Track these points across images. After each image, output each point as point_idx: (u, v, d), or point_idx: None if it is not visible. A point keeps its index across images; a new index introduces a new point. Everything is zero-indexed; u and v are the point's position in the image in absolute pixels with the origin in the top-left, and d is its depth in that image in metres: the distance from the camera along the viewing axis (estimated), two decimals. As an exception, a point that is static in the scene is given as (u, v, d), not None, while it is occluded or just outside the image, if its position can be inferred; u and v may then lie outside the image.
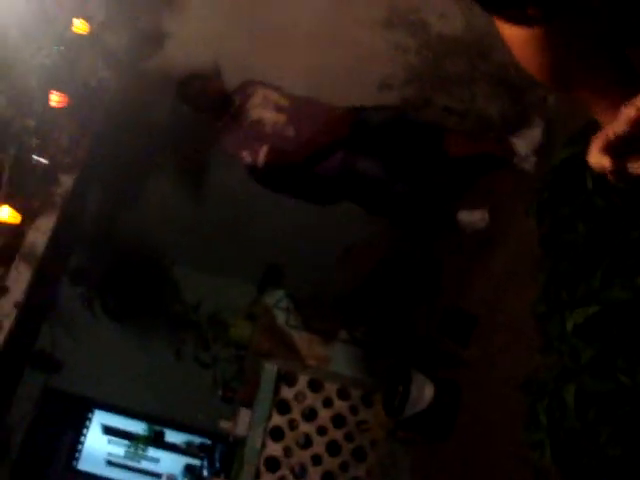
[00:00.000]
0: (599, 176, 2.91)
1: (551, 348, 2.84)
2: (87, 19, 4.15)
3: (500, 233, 4.20)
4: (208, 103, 4.32)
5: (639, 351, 2.64)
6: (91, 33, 4.22)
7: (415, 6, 4.09)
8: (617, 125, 1.02)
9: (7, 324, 4.40)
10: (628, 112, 1.00)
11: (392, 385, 4.14)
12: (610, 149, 1.04)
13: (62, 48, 3.89)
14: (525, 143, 4.03)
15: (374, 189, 4.19)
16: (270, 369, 4.62)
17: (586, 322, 2.65)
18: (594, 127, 3.07)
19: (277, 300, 4.77)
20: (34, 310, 5.07)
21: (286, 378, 4.65)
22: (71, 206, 4.97)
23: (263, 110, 4.23)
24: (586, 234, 2.81)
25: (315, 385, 4.69)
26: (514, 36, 1.15)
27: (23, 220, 3.99)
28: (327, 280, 5.42)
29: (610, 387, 2.47)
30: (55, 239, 4.69)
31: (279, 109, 4.23)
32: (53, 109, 4.04)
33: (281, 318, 4.77)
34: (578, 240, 2.82)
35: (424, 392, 4.03)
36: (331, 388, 4.68)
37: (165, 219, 6.00)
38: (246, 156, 4.20)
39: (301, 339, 4.73)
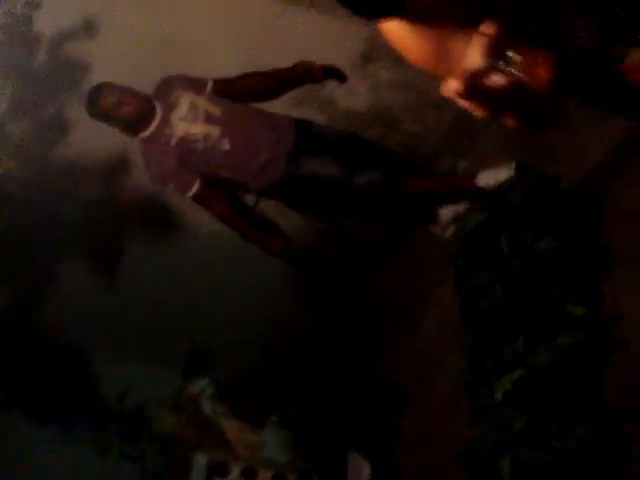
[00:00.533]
0: (514, 239, 2.91)
1: (482, 418, 2.78)
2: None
3: (423, 300, 4.18)
4: (125, 118, 3.68)
5: (569, 414, 2.60)
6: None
7: (322, 84, 4.13)
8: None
9: None
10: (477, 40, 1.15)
11: (328, 467, 4.02)
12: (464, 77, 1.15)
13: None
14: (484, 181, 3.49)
15: (330, 188, 3.67)
16: (200, 461, 4.43)
17: (514, 388, 2.61)
18: (503, 192, 3.10)
19: (202, 388, 4.61)
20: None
21: (218, 469, 4.46)
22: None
23: (191, 124, 3.65)
24: (505, 298, 2.80)
25: (249, 474, 4.50)
26: (395, 36, 1.32)
27: None
28: (254, 362, 5.29)
29: (544, 457, 2.42)
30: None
31: (210, 120, 3.66)
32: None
33: (207, 407, 4.60)
34: (497, 305, 2.81)
35: (361, 472, 3.93)
36: (266, 475, 4.50)
37: (82, 310, 5.80)
38: (177, 188, 3.77)
39: (230, 427, 4.56)
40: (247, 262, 5.26)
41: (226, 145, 3.63)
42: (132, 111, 3.65)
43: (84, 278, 5.49)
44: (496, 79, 1.15)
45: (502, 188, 2.99)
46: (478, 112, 1.29)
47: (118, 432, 5.98)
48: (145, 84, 4.17)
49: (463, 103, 1.23)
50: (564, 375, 2.61)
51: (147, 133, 3.70)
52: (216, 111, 3.66)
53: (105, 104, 3.67)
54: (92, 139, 4.57)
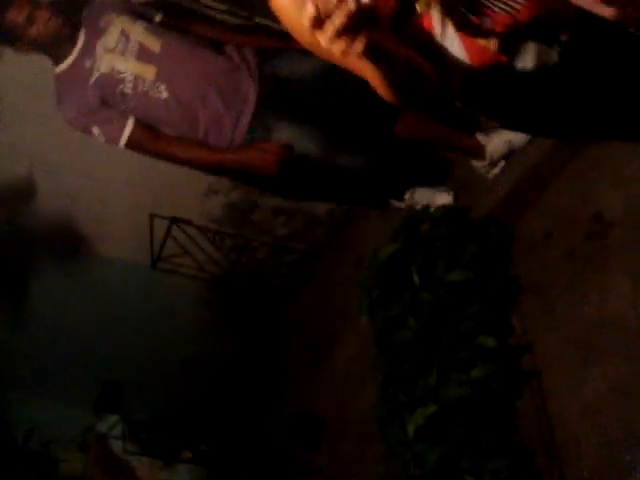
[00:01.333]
0: (424, 270, 2.88)
1: (395, 454, 2.73)
2: None
3: (338, 331, 4.13)
4: (34, 40, 2.86)
5: (482, 448, 2.58)
6: None
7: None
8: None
9: None
10: None
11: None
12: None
13: None
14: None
15: (310, 169, 2.97)
16: (108, 502, 4.24)
17: (426, 423, 2.57)
18: (414, 221, 3.07)
19: (111, 426, 4.43)
20: None
21: (128, 510, 4.28)
22: None
23: (120, 58, 2.84)
24: (417, 331, 2.77)
25: (160, 513, 4.34)
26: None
27: None
28: (166, 396, 5.13)
29: (457, 494, 2.38)
30: None
31: (144, 56, 2.86)
32: None
33: (117, 446, 4.41)
34: (409, 337, 2.77)
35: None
36: (178, 514, 4.35)
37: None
38: (99, 135, 2.99)
39: (141, 466, 4.38)
40: (161, 291, 5.14)
41: (163, 93, 2.85)
42: (44, 32, 2.82)
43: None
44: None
45: (413, 219, 2.97)
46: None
47: (24, 473, 5.72)
48: (54, 110, 4.04)
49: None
50: (477, 408, 2.59)
51: (64, 66, 2.92)
52: (154, 46, 2.85)
53: (12, 18, 2.80)
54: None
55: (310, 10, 0.99)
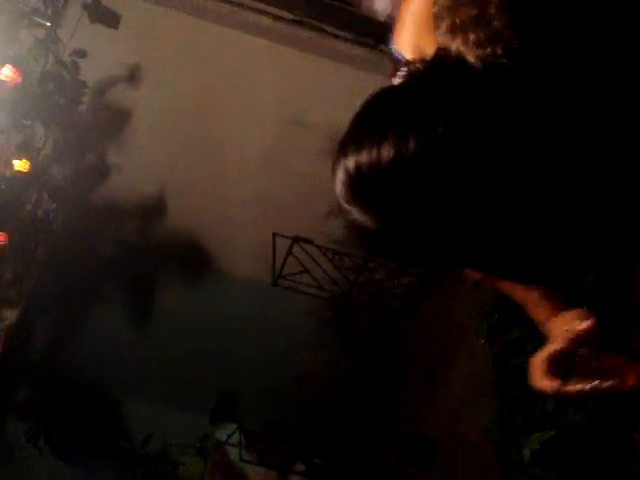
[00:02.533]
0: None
1: (510, 477, 2.76)
2: (32, 152, 4.16)
3: (454, 353, 4.16)
4: None
5: (600, 476, 2.57)
6: (35, 169, 4.23)
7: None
8: (557, 344, 1.06)
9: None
10: (567, 333, 1.04)
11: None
12: (551, 369, 1.07)
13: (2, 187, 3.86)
14: None
15: None
16: (224, 507, 4.40)
17: (543, 448, 2.59)
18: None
19: (228, 435, 4.60)
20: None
21: (242, 516, 4.44)
22: (15, 340, 4.84)
23: None
24: (537, 356, 2.79)
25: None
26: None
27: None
28: (281, 410, 5.28)
29: (572, 519, 2.39)
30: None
31: None
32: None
33: (234, 454, 4.58)
34: (529, 362, 2.79)
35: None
36: (289, 524, 4.47)
37: (114, 350, 5.85)
38: None
39: (256, 475, 4.53)
40: (279, 307, 5.30)
41: None
42: None
43: (117, 318, 5.55)
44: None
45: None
46: None
47: (142, 475, 5.99)
48: (185, 133, 4.30)
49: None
50: (593, 436, 2.59)
51: None
52: None
53: None
54: (130, 183, 4.68)
55: (549, 387, 1.03)
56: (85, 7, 3.90)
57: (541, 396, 2.75)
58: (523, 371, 2.88)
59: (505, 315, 3.05)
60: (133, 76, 4.14)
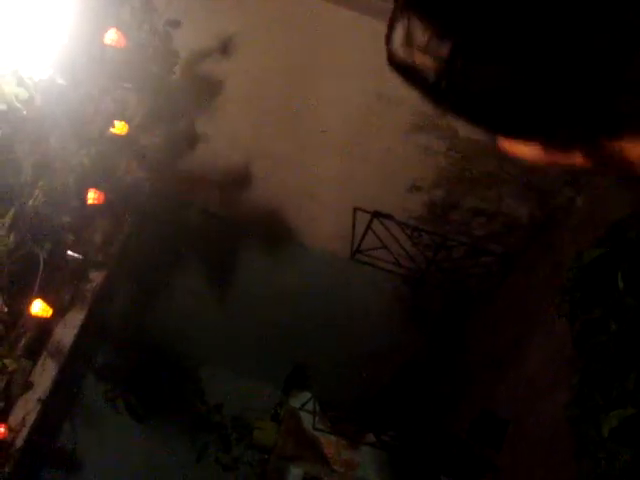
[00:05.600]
0: (630, 275, 2.88)
1: (586, 453, 2.75)
2: (125, 121, 4.29)
3: (530, 332, 4.14)
4: None
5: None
6: (128, 134, 4.36)
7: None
8: None
9: (29, 420, 4.37)
10: None
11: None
12: None
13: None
14: None
15: None
16: (296, 473, 4.50)
17: (622, 425, 2.58)
18: (621, 228, 3.07)
19: (303, 402, 4.69)
20: (57, 406, 5.04)
21: (312, 483, 4.53)
22: (100, 303, 5.01)
23: None
24: (619, 335, 2.77)
25: (342, 491, 4.55)
26: None
27: (53, 314, 4.01)
28: (354, 382, 5.34)
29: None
30: (83, 335, 4.71)
31: None
32: (89, 207, 4.13)
33: (307, 421, 4.67)
34: (611, 341, 2.78)
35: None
36: (357, 494, 4.54)
37: (192, 319, 6.00)
38: None
39: (328, 443, 4.61)
40: (357, 283, 5.34)
41: None
42: None
43: (198, 287, 5.68)
44: None
45: (619, 225, 2.97)
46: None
47: (216, 438, 6.14)
48: (272, 106, 4.36)
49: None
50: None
51: None
52: None
53: None
54: (217, 153, 4.79)
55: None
56: (181, -22, 4.00)
57: (622, 374, 2.73)
58: (604, 349, 2.87)
59: (588, 294, 3.03)
60: (225, 47, 4.23)
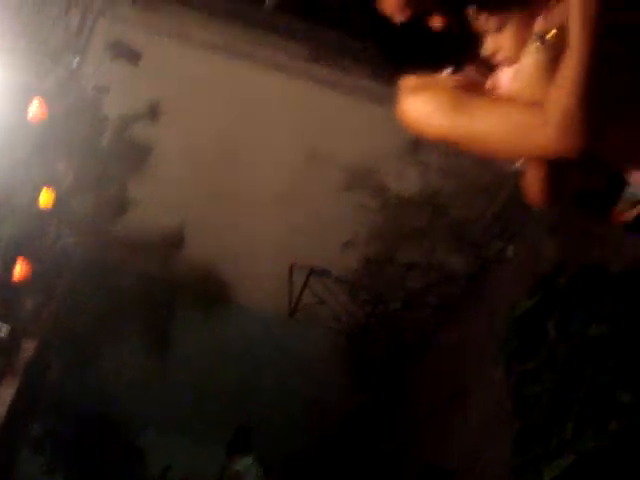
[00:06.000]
0: (561, 325, 2.93)
1: (530, 504, 2.76)
2: (55, 187, 4.23)
3: (470, 382, 4.17)
4: None
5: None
6: (58, 200, 4.30)
7: (373, 169, 4.26)
8: None
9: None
10: None
11: None
12: None
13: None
14: None
15: None
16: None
17: (563, 474, 2.60)
18: (552, 279, 3.14)
19: (246, 467, 4.61)
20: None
21: None
22: (33, 373, 4.87)
23: None
24: (553, 384, 2.81)
25: None
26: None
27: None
28: (297, 440, 5.27)
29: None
30: (16, 408, 4.55)
31: None
32: (18, 276, 4.04)
33: (251, 484, 4.58)
34: (546, 391, 2.82)
35: None
36: None
37: (132, 384, 5.87)
38: None
39: (272, 505, 4.52)
40: (296, 338, 5.32)
41: None
42: None
43: (135, 351, 5.57)
44: None
45: (547, 276, 3.04)
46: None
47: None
48: (204, 168, 4.37)
49: None
50: (613, 461, 2.60)
51: None
52: None
53: None
54: (150, 216, 4.74)
55: None
56: (108, 45, 4.01)
57: (559, 424, 2.77)
58: (541, 399, 2.91)
59: (522, 345, 3.08)
60: (154, 111, 4.23)
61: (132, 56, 4.07)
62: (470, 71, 1.55)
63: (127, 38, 4.02)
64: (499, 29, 1.39)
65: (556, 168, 1.51)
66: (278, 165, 4.40)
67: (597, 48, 1.25)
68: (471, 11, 1.38)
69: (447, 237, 4.43)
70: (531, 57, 1.35)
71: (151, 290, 5.19)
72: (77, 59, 3.81)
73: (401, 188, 4.29)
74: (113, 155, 4.46)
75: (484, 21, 1.37)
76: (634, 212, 1.44)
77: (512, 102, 1.38)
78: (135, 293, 5.23)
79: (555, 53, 1.30)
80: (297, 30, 4.01)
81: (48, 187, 4.17)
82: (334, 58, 3.92)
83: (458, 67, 1.54)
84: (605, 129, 1.29)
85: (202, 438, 6.01)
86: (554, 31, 1.31)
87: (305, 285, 4.70)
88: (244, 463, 4.68)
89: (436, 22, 1.44)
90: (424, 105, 1.51)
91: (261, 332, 5.38)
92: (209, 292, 5.24)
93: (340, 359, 5.17)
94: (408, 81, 1.60)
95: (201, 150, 4.33)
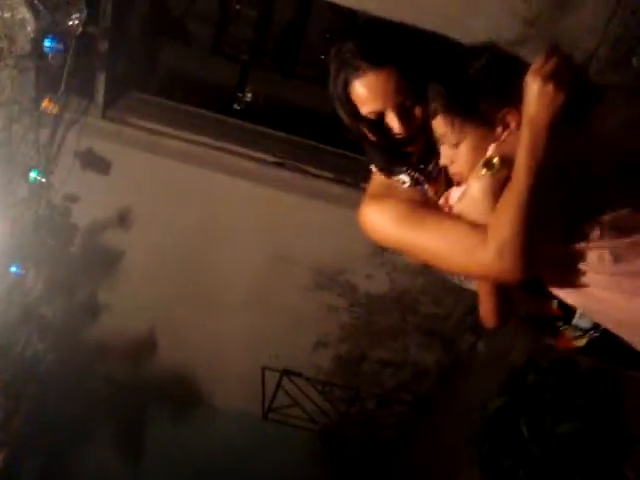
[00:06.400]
0: (533, 422, 2.93)
1: None
2: (24, 292, 4.22)
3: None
4: None
5: None
6: (27, 307, 4.28)
7: (341, 269, 4.31)
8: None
9: None
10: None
11: None
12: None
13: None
14: None
15: None
16: None
17: None
18: (520, 375, 3.14)
19: None
20: None
21: None
22: (2, 484, 4.74)
23: None
24: (529, 483, 2.79)
25: None
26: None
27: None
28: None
29: None
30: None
31: None
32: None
33: None
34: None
35: None
36: None
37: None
38: None
39: None
40: (270, 441, 5.24)
41: None
42: None
43: (107, 457, 5.45)
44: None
45: (517, 372, 3.06)
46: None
47: None
48: (175, 273, 4.39)
49: None
50: None
51: None
52: None
53: None
54: (121, 321, 4.73)
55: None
56: (77, 154, 4.07)
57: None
58: (517, 499, 2.87)
59: (496, 444, 3.06)
60: (123, 219, 4.27)
61: (102, 165, 4.14)
62: (426, 185, 1.61)
63: (97, 148, 4.09)
64: (456, 144, 1.46)
65: (503, 289, 1.56)
66: (248, 267, 4.44)
67: (539, 183, 1.32)
68: (437, 122, 1.46)
69: (419, 333, 4.44)
70: (478, 181, 1.42)
71: (123, 394, 5.12)
72: (46, 170, 3.85)
73: (370, 287, 4.33)
74: (83, 261, 4.47)
75: (446, 133, 1.45)
76: (583, 341, 1.48)
77: (459, 221, 1.44)
78: (107, 399, 5.16)
79: (499, 181, 1.37)
80: (263, 136, 4.12)
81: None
82: (300, 163, 4.01)
83: (416, 180, 1.60)
84: (540, 254, 1.35)
85: None
86: (497, 159, 1.38)
87: (278, 387, 4.66)
88: None
89: (418, 145, 1.51)
90: (380, 215, 1.57)
91: (235, 435, 5.30)
92: (181, 394, 5.18)
93: (316, 460, 5.09)
94: (370, 188, 1.67)
95: (171, 254, 4.35)
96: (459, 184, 1.51)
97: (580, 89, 1.38)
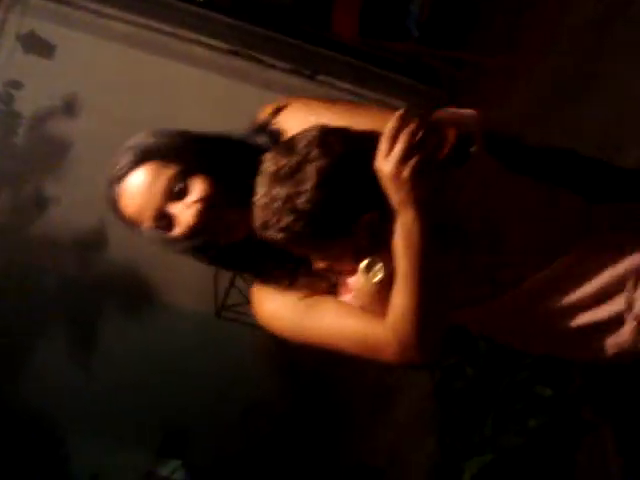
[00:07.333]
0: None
1: (451, 503, 2.74)
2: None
3: (397, 381, 4.16)
4: None
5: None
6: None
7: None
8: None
9: None
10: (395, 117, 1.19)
11: None
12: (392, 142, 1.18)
13: None
14: None
15: None
16: None
17: (481, 472, 2.58)
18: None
19: (172, 471, 4.51)
20: None
21: None
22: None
23: None
24: (474, 380, 2.79)
25: None
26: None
27: None
28: (227, 443, 5.20)
29: None
30: None
31: None
32: None
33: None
34: (468, 387, 2.80)
35: None
36: None
37: (55, 387, 5.71)
38: None
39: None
40: (225, 340, 5.25)
41: None
42: None
43: (59, 353, 5.44)
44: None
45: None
46: None
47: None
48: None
49: None
50: (533, 458, 2.59)
51: None
52: None
53: None
54: (69, 215, 4.61)
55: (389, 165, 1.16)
56: (19, 38, 3.87)
57: (480, 420, 2.75)
58: (462, 396, 2.89)
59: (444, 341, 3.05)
60: (70, 106, 4.10)
61: (45, 49, 3.94)
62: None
63: (40, 30, 3.88)
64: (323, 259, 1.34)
65: None
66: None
67: (427, 275, 1.22)
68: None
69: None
70: (364, 284, 1.31)
71: (74, 291, 5.06)
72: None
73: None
74: (28, 152, 4.31)
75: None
76: None
77: (356, 312, 1.35)
78: (57, 295, 5.09)
79: (384, 283, 1.27)
80: (217, 23, 3.94)
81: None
82: (255, 52, 3.85)
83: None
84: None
85: (131, 443, 5.89)
86: (380, 265, 1.26)
87: (231, 284, 4.61)
88: (170, 467, 4.58)
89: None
90: (274, 306, 1.46)
91: (188, 333, 5.29)
92: (132, 292, 5.13)
93: (269, 359, 5.11)
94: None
95: (119, 144, 4.20)
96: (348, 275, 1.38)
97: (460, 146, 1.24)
